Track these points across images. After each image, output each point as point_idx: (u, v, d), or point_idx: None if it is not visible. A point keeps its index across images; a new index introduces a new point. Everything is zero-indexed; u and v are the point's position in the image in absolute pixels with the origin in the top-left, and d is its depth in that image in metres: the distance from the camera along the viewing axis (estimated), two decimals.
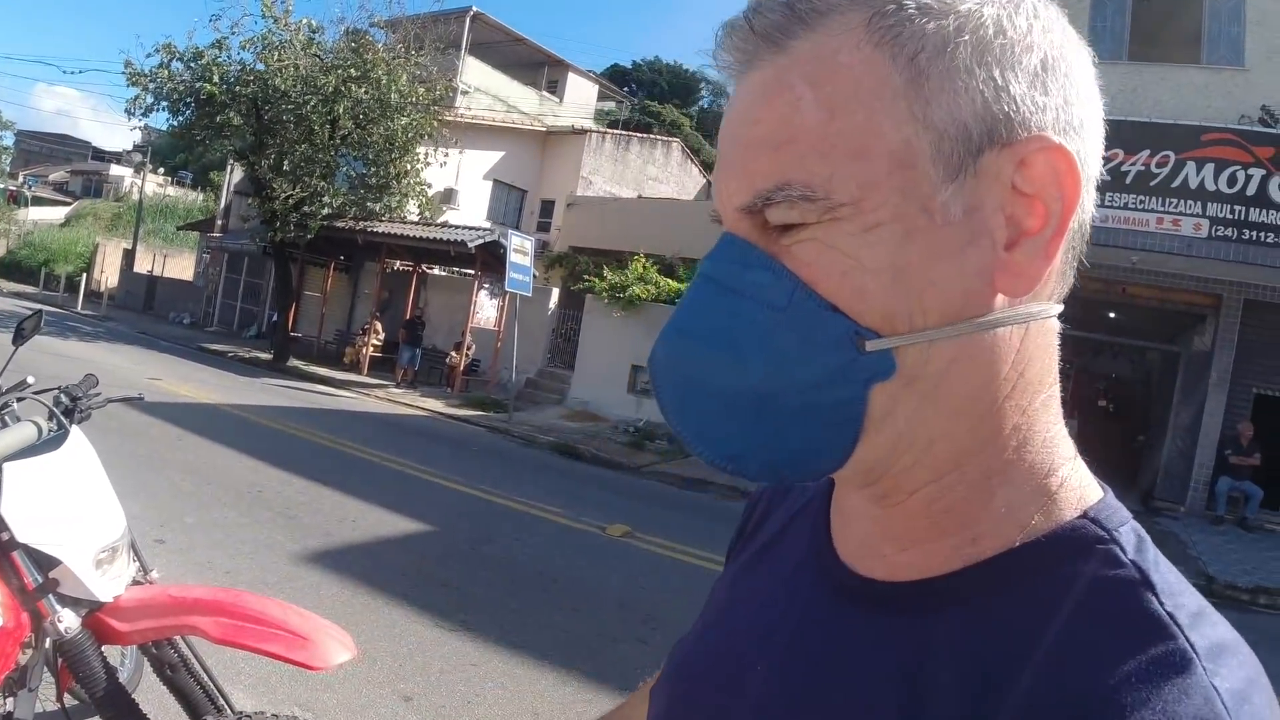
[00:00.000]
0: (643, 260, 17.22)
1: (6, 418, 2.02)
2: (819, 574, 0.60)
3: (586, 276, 17.68)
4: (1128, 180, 10.44)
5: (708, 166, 37.63)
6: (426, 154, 19.29)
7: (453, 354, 18.03)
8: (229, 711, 2.11)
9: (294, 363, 18.71)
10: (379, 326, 19.56)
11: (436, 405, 15.45)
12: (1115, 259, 11.05)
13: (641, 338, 16.13)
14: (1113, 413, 17.51)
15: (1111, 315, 13.66)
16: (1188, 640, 0.45)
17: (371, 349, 19.10)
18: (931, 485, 0.52)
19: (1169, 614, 0.46)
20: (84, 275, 31.16)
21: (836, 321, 0.48)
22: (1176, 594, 0.48)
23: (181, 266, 34.77)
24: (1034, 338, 0.51)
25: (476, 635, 4.73)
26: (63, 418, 1.96)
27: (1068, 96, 0.49)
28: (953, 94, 0.47)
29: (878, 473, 0.52)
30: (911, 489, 0.53)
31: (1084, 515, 0.52)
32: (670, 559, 7.05)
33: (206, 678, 2.12)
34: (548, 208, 25.96)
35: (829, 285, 0.49)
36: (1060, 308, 0.52)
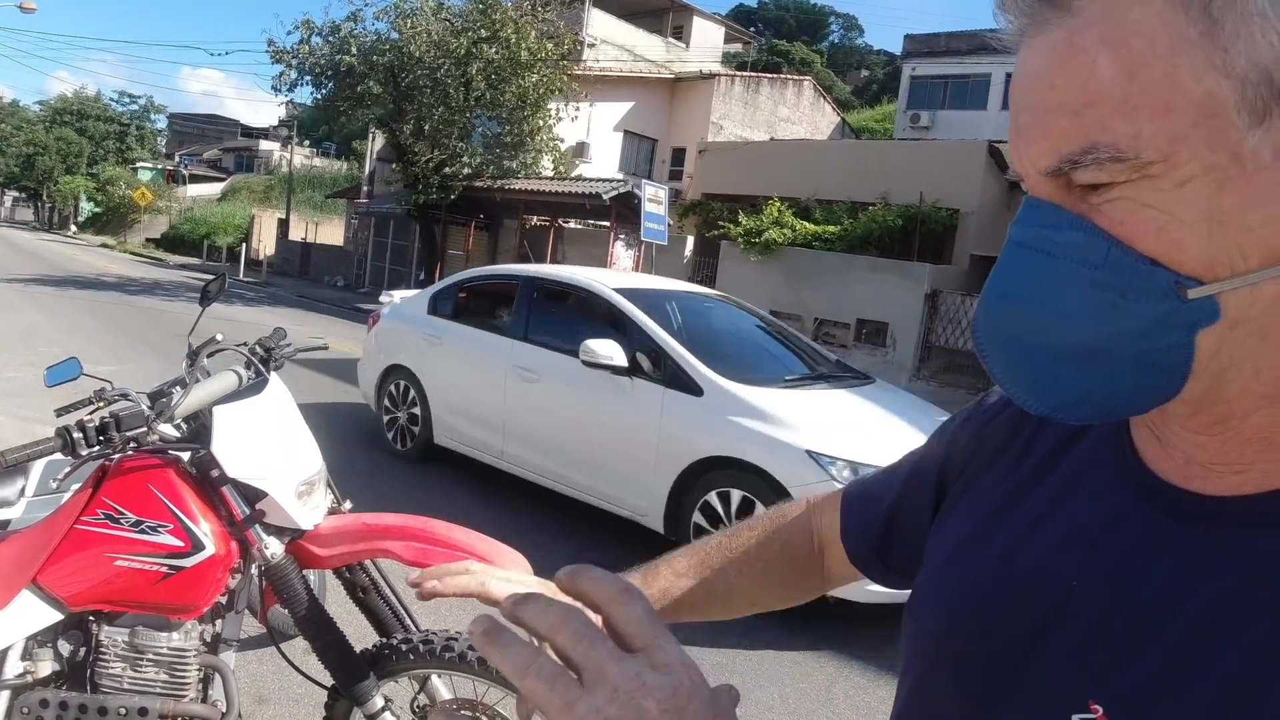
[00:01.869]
0: (778, 204, 16.98)
1: (199, 373, 2.24)
2: (1139, 501, 0.60)
3: (721, 223, 17.60)
4: None
5: (841, 104, 36.55)
6: (558, 109, 19.53)
7: None
8: (415, 630, 2.30)
9: None
10: None
11: None
12: None
13: (779, 282, 15.97)
14: None
15: None
16: None
17: None
18: (1264, 410, 0.53)
19: None
20: (243, 245, 33.20)
21: (1157, 274, 0.50)
22: None
23: (332, 232, 36.53)
24: None
25: None
26: (260, 366, 2.17)
27: None
28: (1249, 40, 0.46)
29: (1205, 403, 0.54)
30: (1244, 414, 0.53)
31: None
32: None
33: (395, 599, 2.33)
34: (679, 156, 25.87)
35: (1146, 241, 0.50)
36: None
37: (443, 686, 2.35)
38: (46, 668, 1.88)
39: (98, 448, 1.78)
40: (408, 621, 2.34)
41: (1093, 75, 0.49)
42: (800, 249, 16.10)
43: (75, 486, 2.71)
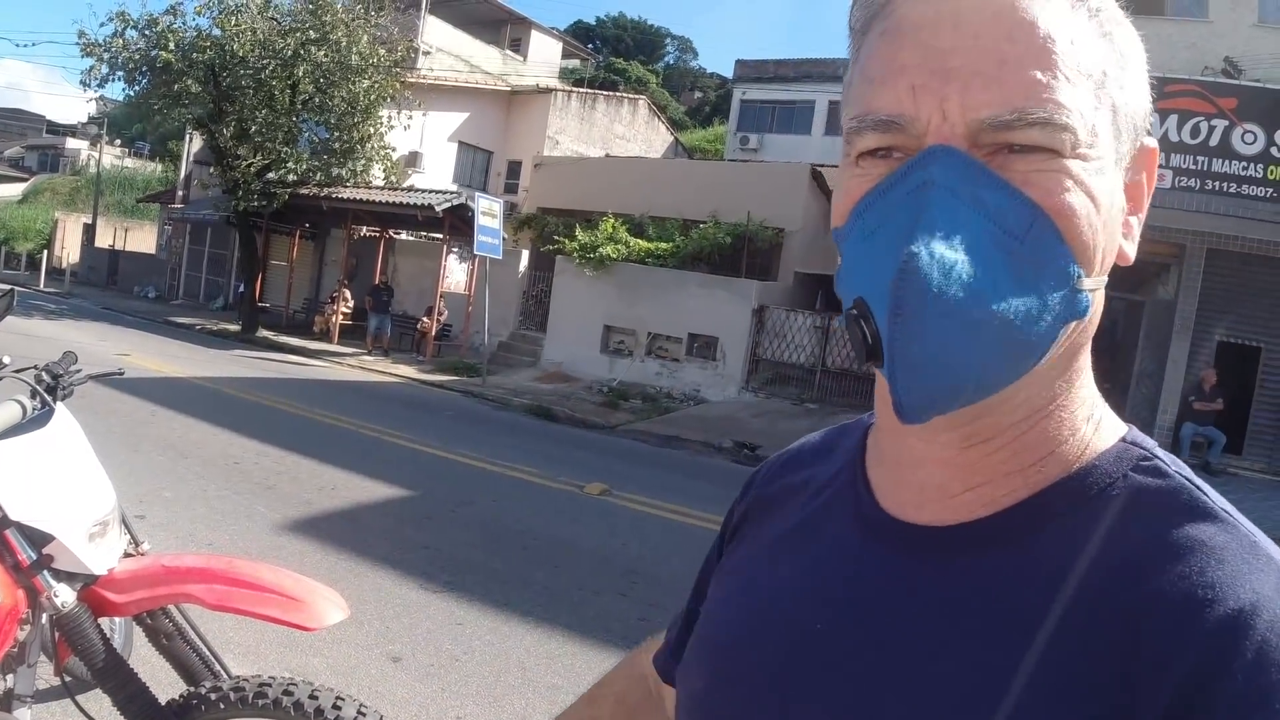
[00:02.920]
0: (612, 220, 17.18)
1: None
2: (868, 534, 0.62)
3: (556, 237, 17.63)
4: None
5: (675, 124, 37.41)
6: (390, 117, 19.01)
7: (424, 319, 17.96)
8: (225, 676, 2.16)
9: (263, 333, 18.55)
10: (348, 294, 19.40)
11: (409, 371, 15.43)
12: None
13: (613, 297, 16.18)
14: None
15: None
16: (1247, 529, 0.52)
17: (341, 317, 18.97)
18: (1023, 422, 0.55)
19: (1224, 509, 0.53)
20: (45, 252, 30.56)
21: (1065, 256, 0.50)
22: (1219, 497, 0.55)
23: (143, 239, 34.16)
24: (1097, 297, 0.55)
25: (461, 595, 4.82)
26: (46, 396, 1.98)
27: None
28: (1136, 95, 0.55)
29: (989, 412, 0.54)
30: (1007, 425, 0.55)
31: (1123, 440, 0.58)
32: (648, 515, 7.17)
33: (202, 644, 2.18)
34: (514, 169, 25.74)
35: (1068, 221, 0.50)
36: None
37: None
38: None
39: None
40: (217, 668, 2.20)
41: (1075, 50, 0.50)
42: (634, 264, 16.37)
43: None
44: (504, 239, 16.21)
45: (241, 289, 21.03)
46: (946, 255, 0.48)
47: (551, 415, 12.40)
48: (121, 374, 2.55)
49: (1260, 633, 0.47)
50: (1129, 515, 0.53)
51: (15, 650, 1.87)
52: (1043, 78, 0.49)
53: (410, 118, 19.49)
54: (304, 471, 7.14)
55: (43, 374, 2.07)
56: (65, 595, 1.81)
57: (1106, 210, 0.52)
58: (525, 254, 18.70)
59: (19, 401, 1.92)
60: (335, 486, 6.78)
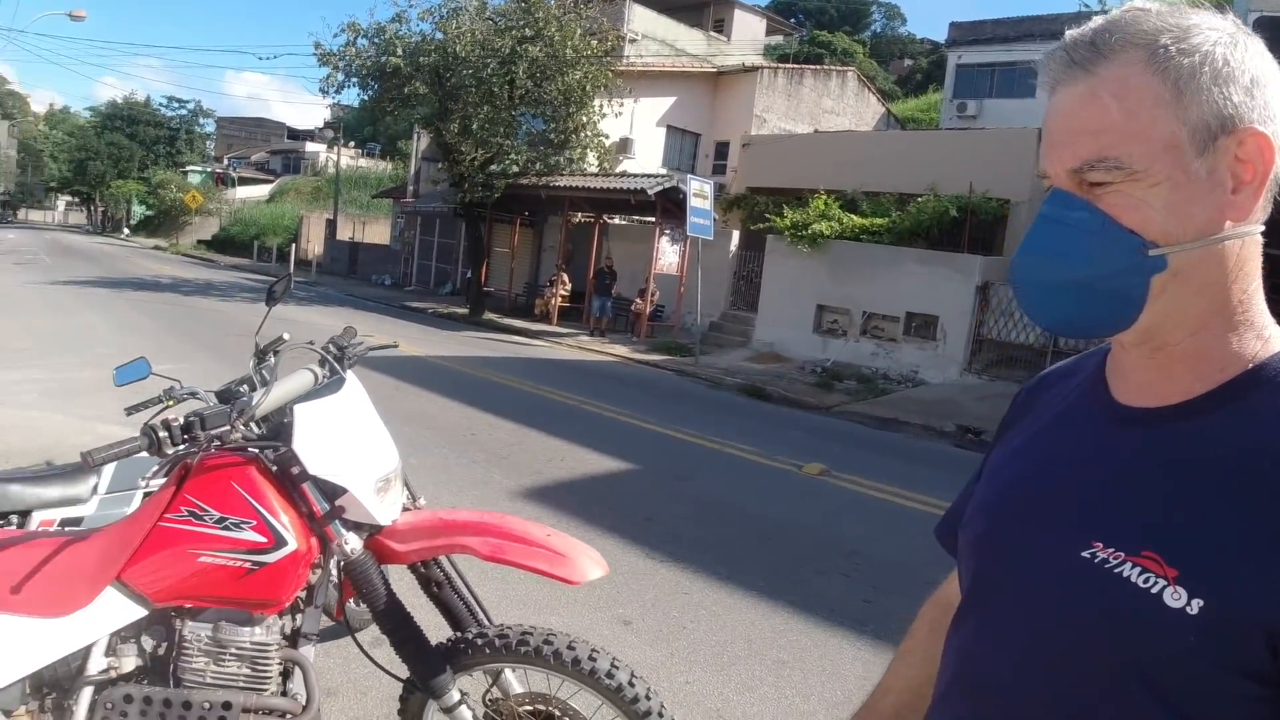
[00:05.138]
0: (824, 197, 16.81)
1: (266, 372, 2.26)
2: (1106, 419, 0.89)
3: (767, 216, 17.48)
4: None
5: (885, 95, 36.06)
6: (602, 105, 19.54)
7: (637, 301, 18.38)
8: (488, 624, 2.32)
9: (488, 316, 19.68)
10: (565, 278, 20.17)
11: (624, 351, 15.86)
12: None
13: (826, 276, 15.84)
14: None
15: None
16: None
17: (560, 299, 19.76)
18: (1188, 339, 0.82)
19: None
20: (292, 245, 33.73)
21: (1131, 238, 0.79)
22: None
23: (379, 232, 37.00)
24: (1248, 246, 0.81)
25: (685, 566, 4.91)
26: (336, 364, 2.19)
27: (1267, 99, 0.78)
28: (1199, 104, 0.77)
29: (1151, 332, 0.82)
30: (1175, 342, 0.83)
31: None
32: (869, 497, 7.00)
33: (469, 594, 2.34)
34: (722, 150, 25.74)
35: (1127, 217, 0.79)
36: (1262, 226, 0.81)
37: (515, 680, 2.37)
38: (130, 663, 1.91)
39: (182, 446, 1.80)
40: (481, 616, 2.35)
41: (1106, 112, 0.78)
42: (848, 241, 15.91)
43: (145, 484, 2.78)
44: (714, 220, 16.27)
45: (468, 275, 22.37)
46: (1035, 251, 0.84)
47: (764, 395, 12.36)
48: (395, 346, 2.77)
49: None
50: None
51: (305, 594, 2.08)
52: (1094, 136, 0.79)
53: (621, 105, 19.93)
54: (533, 443, 7.53)
55: (330, 346, 2.28)
56: (354, 543, 1.99)
57: (1169, 204, 0.78)
58: (735, 234, 18.70)
59: (311, 370, 2.13)
60: (562, 458, 7.10)
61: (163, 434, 1.74)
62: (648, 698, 2.18)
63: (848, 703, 3.54)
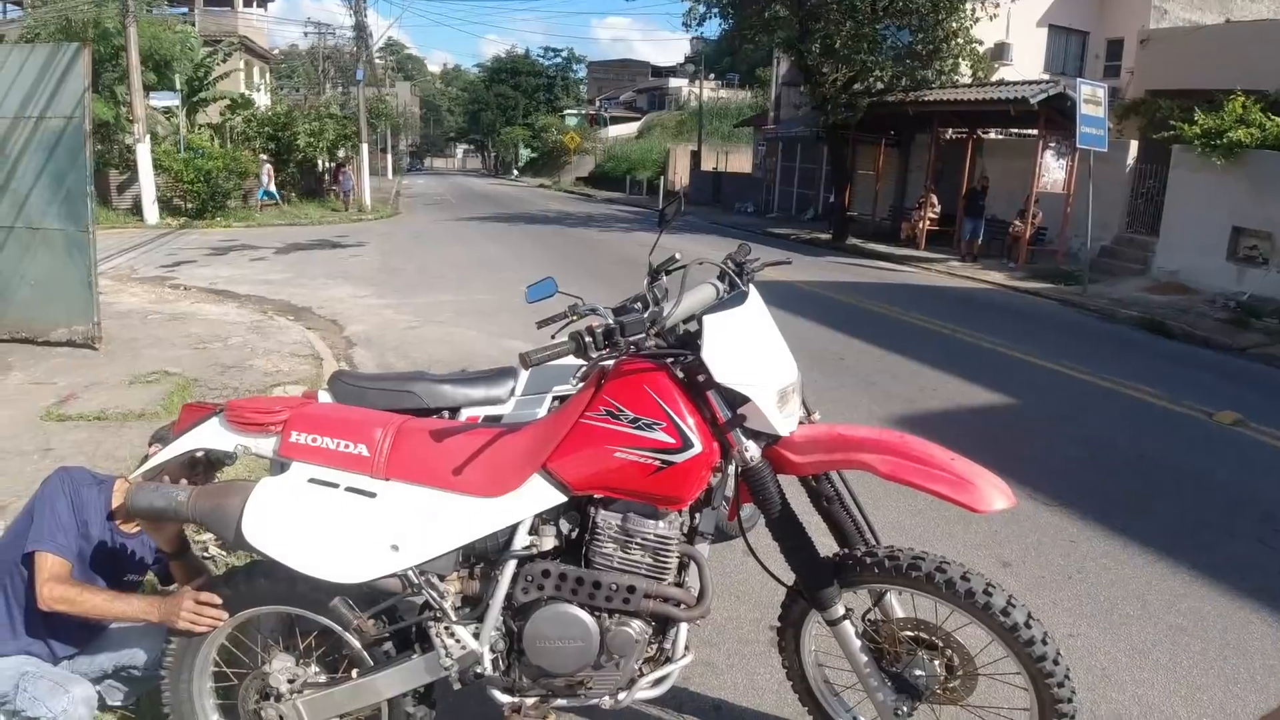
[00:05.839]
0: (1241, 98, 14.22)
1: (657, 290, 2.36)
2: None
3: (1171, 124, 15.20)
4: None
5: None
6: (974, 9, 18.04)
7: (1016, 223, 16.98)
8: (877, 544, 2.30)
9: (852, 241, 19.33)
10: (934, 200, 19.17)
11: (999, 278, 14.81)
12: None
13: (1245, 193, 13.51)
14: None
15: None
16: None
17: (928, 223, 18.85)
18: None
19: None
20: (660, 178, 35.32)
21: None
22: None
23: (740, 161, 37.54)
24: None
25: (1072, 512, 4.54)
26: (736, 279, 2.25)
27: None
28: None
29: None
30: None
31: None
32: None
33: (859, 512, 2.34)
34: (1114, 49, 22.71)
35: None
36: None
37: (898, 605, 2.34)
38: (549, 543, 2.13)
39: (604, 351, 1.95)
40: (869, 535, 2.34)
41: None
42: (1272, 152, 13.37)
43: (557, 389, 3.07)
44: (1108, 129, 14.48)
45: (830, 200, 22.05)
46: None
47: (1166, 330, 10.92)
48: (789, 263, 2.79)
49: None
50: None
51: (704, 494, 2.18)
52: None
53: (995, 6, 18.28)
54: (903, 371, 7.33)
55: (728, 262, 2.34)
56: (753, 450, 2.05)
57: None
58: (1133, 146, 16.46)
59: (713, 284, 2.20)
60: (935, 388, 6.84)
61: (588, 339, 1.89)
62: (1044, 642, 2.05)
63: (1252, 682, 3.13)
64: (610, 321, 1.95)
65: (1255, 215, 13.42)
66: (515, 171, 63.66)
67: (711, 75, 57.67)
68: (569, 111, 65.34)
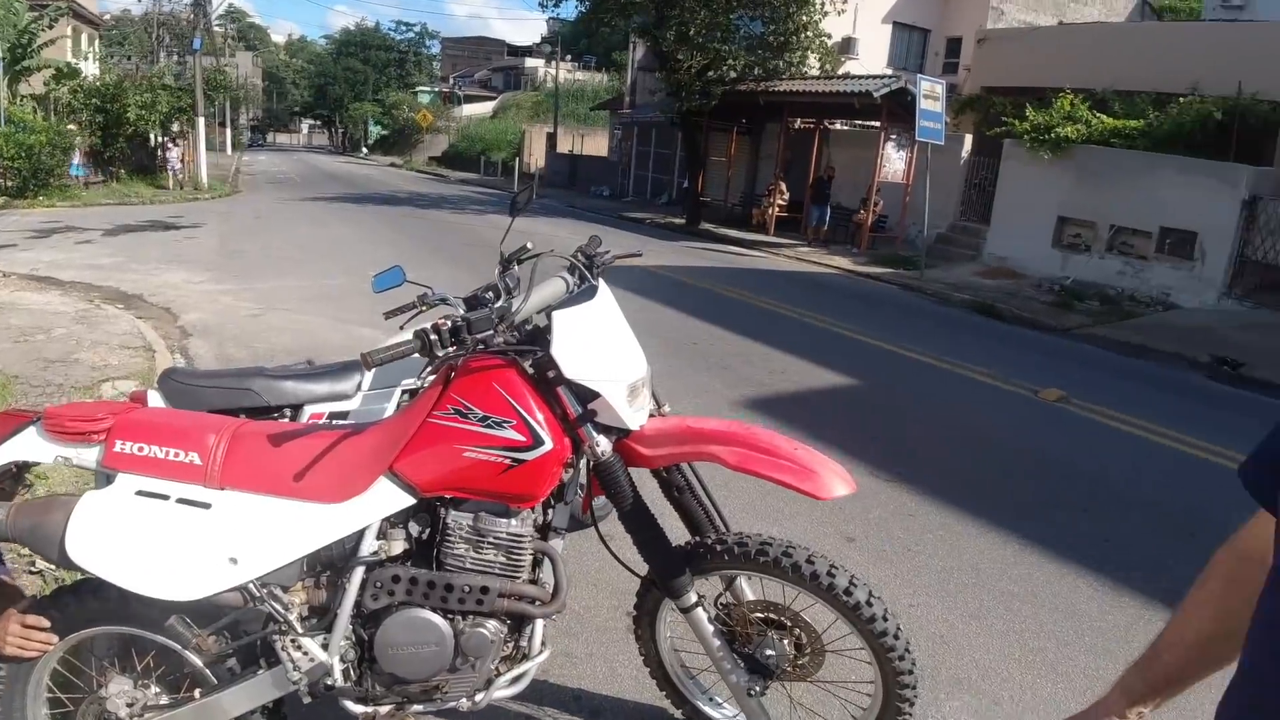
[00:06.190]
0: (1070, 96, 15.33)
1: (509, 280, 2.34)
2: None
3: (1004, 119, 16.22)
4: None
5: None
6: (823, 3, 18.66)
7: (859, 211, 17.75)
8: (727, 531, 2.36)
9: (705, 226, 19.69)
10: (783, 187, 19.76)
11: (844, 263, 15.43)
12: None
13: (1070, 185, 14.61)
14: None
15: None
16: None
17: (777, 209, 19.42)
18: None
19: None
20: (516, 159, 34.90)
21: None
22: None
23: (597, 144, 37.60)
24: None
25: (912, 488, 4.79)
26: (587, 273, 2.24)
27: None
28: None
29: None
30: None
31: None
32: (1112, 428, 6.48)
33: (709, 501, 2.39)
34: (954, 46, 24.00)
35: None
36: None
37: (749, 588, 2.41)
38: (398, 547, 2.08)
39: (450, 349, 1.91)
40: (719, 523, 2.39)
41: None
42: (1097, 146, 14.49)
43: (405, 383, 2.99)
44: (946, 123, 15.29)
45: (684, 185, 22.38)
46: None
47: (996, 313, 11.68)
48: (640, 255, 2.81)
49: None
50: None
51: (556, 489, 2.18)
52: None
53: (844, 1, 18.96)
54: (755, 354, 7.54)
55: (579, 254, 2.33)
56: (604, 445, 2.06)
57: None
58: (968, 139, 17.47)
59: (563, 278, 2.19)
60: (785, 370, 7.07)
61: (433, 337, 1.85)
62: (885, 618, 2.15)
63: (1080, 642, 3.39)
64: (457, 318, 1.91)
65: (1079, 206, 14.51)
66: (365, 149, 61.46)
67: (568, 57, 57.35)
68: (422, 88, 63.57)
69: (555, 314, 2.01)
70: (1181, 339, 10.39)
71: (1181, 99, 14.91)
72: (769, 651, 2.29)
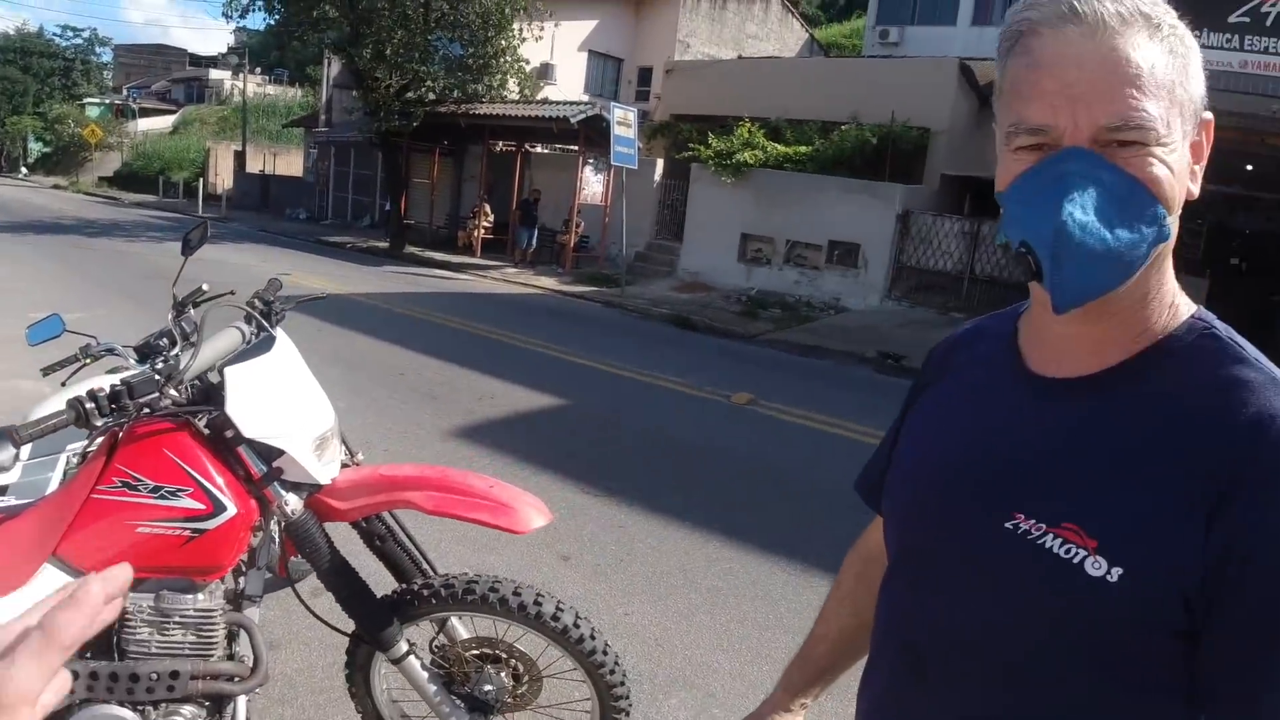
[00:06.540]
0: (748, 124, 16.75)
1: (185, 324, 2.20)
2: (1026, 391, 0.90)
3: (691, 145, 17.35)
4: (1268, 22, 9.48)
5: (809, 19, 35.79)
6: (521, 29, 18.98)
7: (563, 232, 18.20)
8: (433, 574, 2.34)
9: (410, 249, 19.26)
10: (488, 209, 19.82)
11: (550, 283, 15.74)
12: (1254, 107, 10.11)
13: (750, 205, 15.91)
14: (1246, 271, 16.36)
15: (1249, 168, 12.70)
16: (1271, 370, 0.81)
17: (483, 231, 19.44)
18: (1128, 309, 0.84)
19: (1256, 358, 0.82)
20: (200, 180, 32.22)
21: (1155, 205, 0.79)
22: (1253, 351, 0.83)
23: (291, 163, 35.57)
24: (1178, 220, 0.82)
25: (621, 500, 4.99)
26: (264, 322, 2.13)
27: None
28: (1196, 85, 0.81)
29: (1110, 301, 0.81)
30: (1118, 311, 0.83)
31: (1193, 317, 0.86)
32: (796, 424, 7.17)
33: (412, 546, 2.35)
34: (645, 75, 25.32)
35: (1155, 185, 0.78)
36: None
37: (462, 627, 2.41)
38: None
39: (110, 417, 1.74)
40: (425, 566, 2.37)
41: (1141, 74, 0.77)
42: (772, 170, 15.96)
43: (72, 447, 2.69)
44: (639, 148, 16.10)
45: (387, 207, 21.78)
46: (1081, 218, 0.77)
47: (691, 325, 12.45)
48: (324, 298, 2.71)
49: (1277, 429, 0.75)
50: (1194, 364, 0.83)
51: (247, 556, 2.06)
52: (1135, 96, 0.76)
53: (541, 29, 19.39)
54: (463, 381, 7.49)
55: (256, 301, 2.21)
56: (294, 503, 1.97)
57: (1179, 173, 0.80)
58: (660, 163, 18.51)
59: (238, 328, 2.06)
60: (494, 395, 7.09)
61: (89, 405, 1.66)
62: (592, 637, 2.24)
63: (779, 625, 3.70)
64: (117, 382, 1.75)
65: (759, 223, 15.85)
66: (24, 169, 53.65)
67: (258, 69, 53.84)
68: (90, 100, 56.50)
69: (228, 370, 1.89)
70: (851, 338, 11.66)
71: (844, 126, 16.61)
72: (487, 687, 2.30)
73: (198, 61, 67.20)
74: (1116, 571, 0.78)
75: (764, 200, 15.76)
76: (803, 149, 16.34)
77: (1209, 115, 0.84)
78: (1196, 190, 0.84)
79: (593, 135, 17.15)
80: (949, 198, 15.36)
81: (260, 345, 2.02)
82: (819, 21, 42.00)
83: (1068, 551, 0.80)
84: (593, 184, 19.14)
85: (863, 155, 16.00)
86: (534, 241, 18.34)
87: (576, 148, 18.51)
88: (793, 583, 4.12)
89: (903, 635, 0.98)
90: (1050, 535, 0.82)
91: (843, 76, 18.68)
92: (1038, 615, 0.83)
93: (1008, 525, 0.84)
